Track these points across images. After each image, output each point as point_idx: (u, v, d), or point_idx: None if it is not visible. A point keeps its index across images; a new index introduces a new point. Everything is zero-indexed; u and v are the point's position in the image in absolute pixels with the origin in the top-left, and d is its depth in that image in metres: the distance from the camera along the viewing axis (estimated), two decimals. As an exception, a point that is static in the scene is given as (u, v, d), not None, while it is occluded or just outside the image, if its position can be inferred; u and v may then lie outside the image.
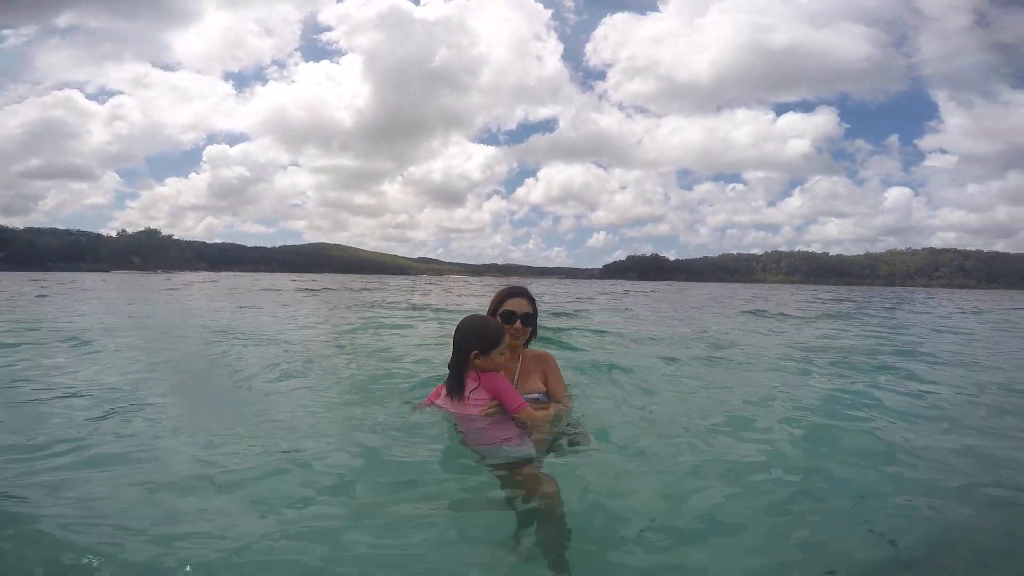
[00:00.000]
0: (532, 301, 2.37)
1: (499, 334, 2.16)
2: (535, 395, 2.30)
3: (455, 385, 2.18)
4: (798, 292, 32.92)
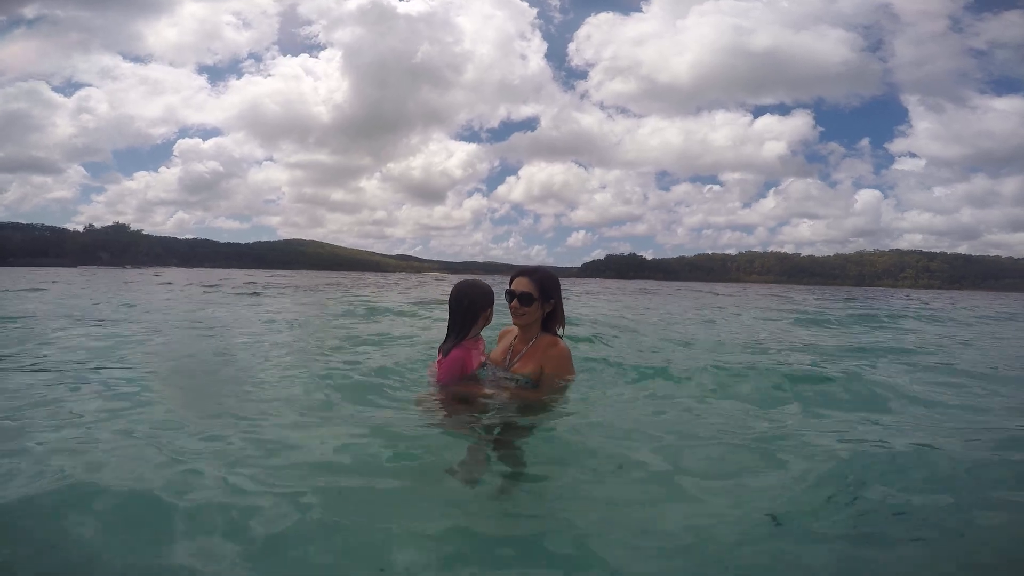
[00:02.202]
0: (539, 283, 2.33)
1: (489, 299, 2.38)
2: (520, 377, 2.34)
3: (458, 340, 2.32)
4: (768, 291, 33.64)
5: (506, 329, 2.60)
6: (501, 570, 1.36)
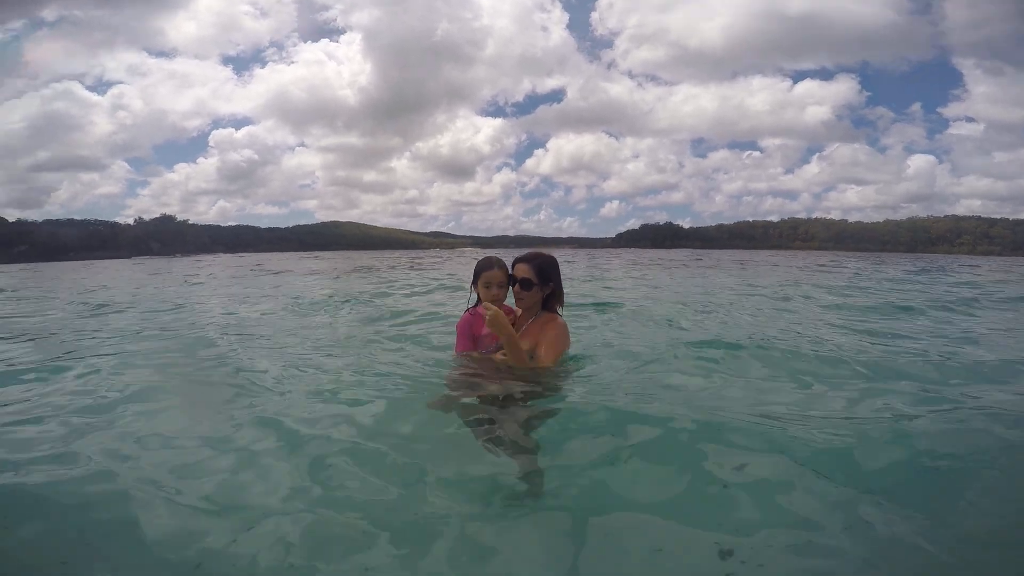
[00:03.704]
0: (537, 268, 2.51)
1: (481, 268, 2.56)
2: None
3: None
4: (819, 259, 32.20)
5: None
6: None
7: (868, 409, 2.61)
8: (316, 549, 1.45)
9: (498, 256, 2.62)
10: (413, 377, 2.89)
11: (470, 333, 2.58)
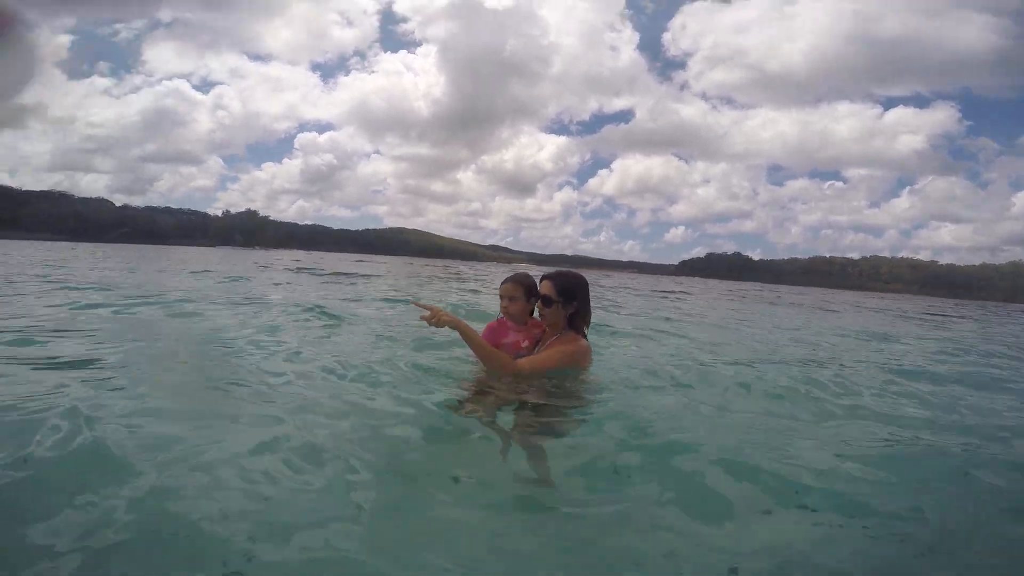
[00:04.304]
0: (559, 287, 2.51)
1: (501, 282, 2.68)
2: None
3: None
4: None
5: None
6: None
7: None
8: (327, 543, 1.42)
9: (525, 273, 2.75)
10: (436, 374, 2.93)
11: (491, 340, 2.61)
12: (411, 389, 2.68)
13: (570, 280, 2.56)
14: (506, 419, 2.23)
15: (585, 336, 2.61)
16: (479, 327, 2.64)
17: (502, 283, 2.67)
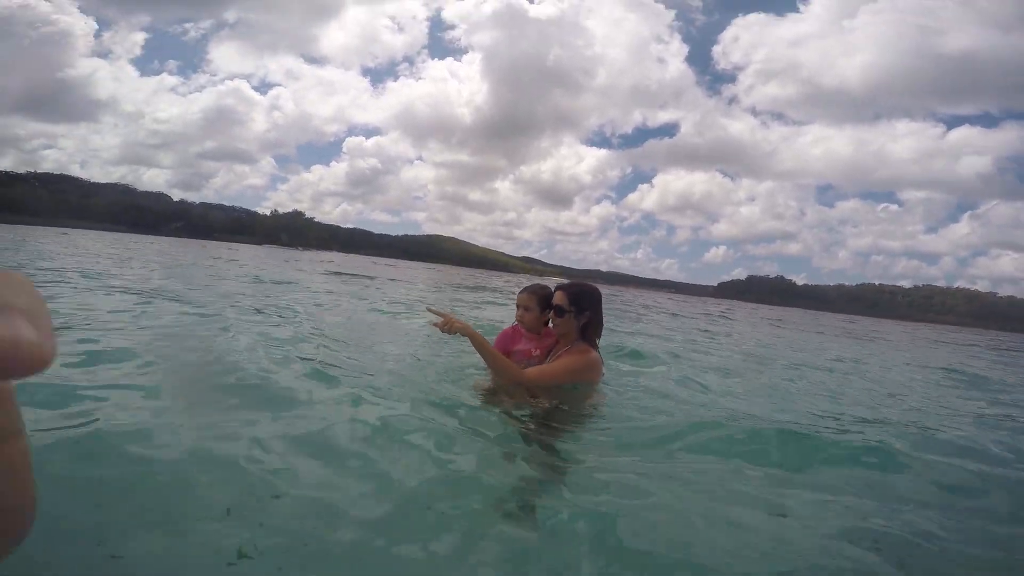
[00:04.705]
0: (572, 297, 2.54)
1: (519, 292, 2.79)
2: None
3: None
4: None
5: None
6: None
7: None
8: (324, 528, 1.47)
9: (542, 284, 2.84)
10: (453, 377, 3.06)
11: (504, 346, 2.72)
12: (426, 390, 2.73)
13: (583, 291, 2.60)
14: (513, 425, 2.27)
15: (597, 348, 2.62)
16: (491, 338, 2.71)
17: (519, 293, 2.77)
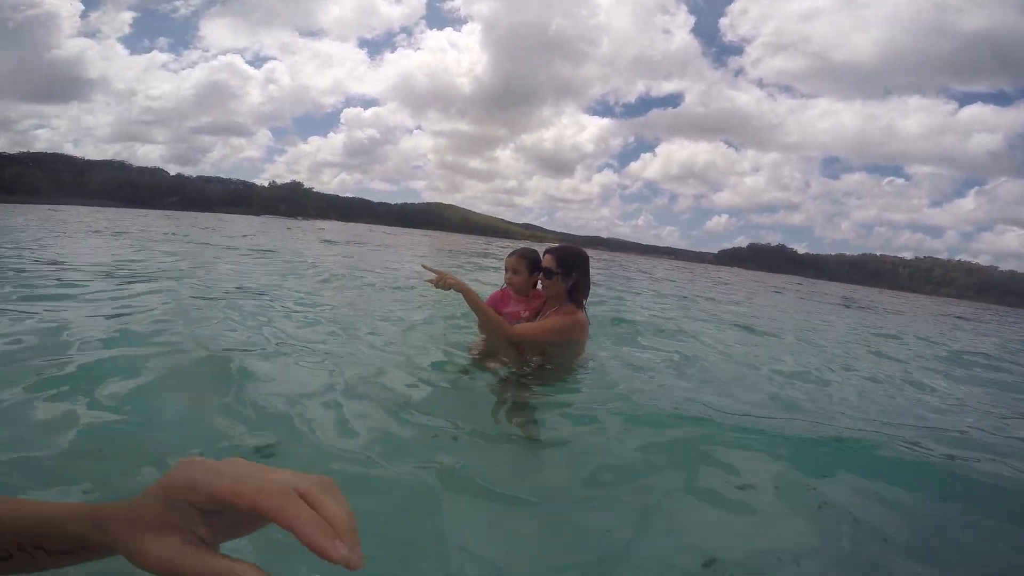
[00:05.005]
0: (559, 259, 2.58)
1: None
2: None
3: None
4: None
5: None
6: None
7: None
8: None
9: (531, 247, 2.88)
10: (443, 340, 3.13)
11: (494, 307, 2.73)
12: (420, 352, 2.84)
13: (571, 253, 2.66)
14: (504, 384, 2.35)
15: (584, 309, 2.67)
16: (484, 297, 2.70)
17: (507, 256, 2.80)
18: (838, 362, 4.23)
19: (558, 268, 2.58)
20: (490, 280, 7.46)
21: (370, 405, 2.08)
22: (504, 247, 27.49)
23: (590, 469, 1.78)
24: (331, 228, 33.07)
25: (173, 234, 12.55)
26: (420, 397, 2.20)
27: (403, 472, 1.60)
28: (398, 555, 1.27)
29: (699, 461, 1.89)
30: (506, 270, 2.78)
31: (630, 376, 2.80)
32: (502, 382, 2.39)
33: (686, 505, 1.65)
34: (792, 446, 2.06)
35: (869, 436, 2.26)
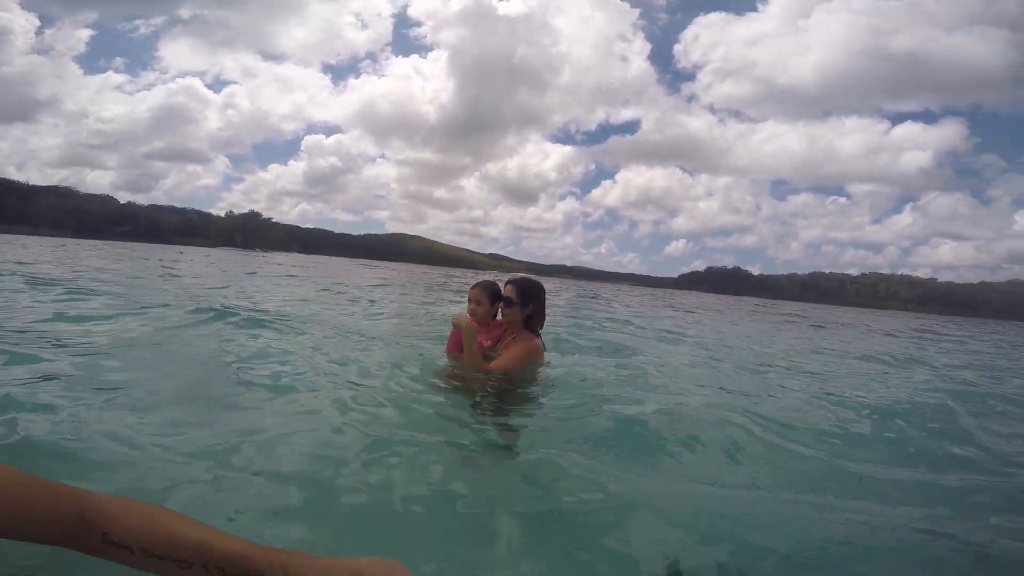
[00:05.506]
0: (519, 290, 2.84)
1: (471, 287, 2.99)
2: (492, 355, 2.88)
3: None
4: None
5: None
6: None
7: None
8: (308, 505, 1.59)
9: (491, 280, 3.11)
10: (413, 365, 3.28)
11: (458, 338, 2.90)
12: (397, 380, 2.98)
13: (529, 285, 2.93)
14: (476, 404, 2.57)
15: (539, 336, 2.94)
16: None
17: (471, 288, 3.01)
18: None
19: (518, 298, 2.83)
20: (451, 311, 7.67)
21: (353, 425, 2.18)
22: (460, 278, 27.49)
23: (553, 477, 1.86)
24: (288, 262, 31.03)
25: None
26: (400, 419, 2.34)
27: (388, 488, 1.69)
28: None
29: (653, 461, 2.09)
30: (469, 301, 2.95)
31: (582, 390, 3.06)
32: (473, 404, 2.55)
33: (649, 505, 1.71)
34: (760, 445, 2.31)
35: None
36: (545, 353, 2.97)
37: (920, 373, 5.78)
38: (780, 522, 1.72)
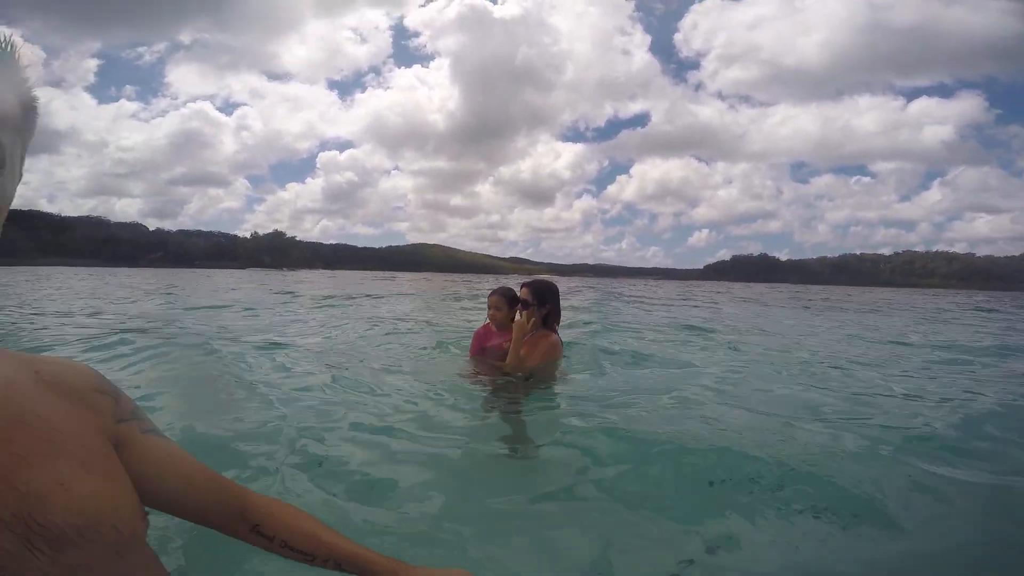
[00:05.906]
0: (534, 292, 2.95)
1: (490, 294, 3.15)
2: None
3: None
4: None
5: None
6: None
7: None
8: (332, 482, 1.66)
9: (508, 287, 3.21)
10: (440, 368, 3.47)
11: (480, 342, 3.19)
12: (423, 377, 3.18)
13: (544, 287, 3.08)
14: (497, 398, 2.67)
15: (557, 332, 3.06)
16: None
17: (489, 295, 3.19)
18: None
19: (534, 299, 2.95)
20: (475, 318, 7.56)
21: (386, 423, 2.23)
22: (477, 284, 27.52)
23: (573, 475, 1.85)
24: (319, 281, 30.16)
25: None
26: (429, 418, 2.36)
27: (408, 484, 1.71)
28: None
29: (673, 465, 1.93)
30: (489, 308, 3.12)
31: (600, 388, 3.04)
32: (494, 396, 2.71)
33: (660, 508, 1.64)
34: (774, 452, 2.03)
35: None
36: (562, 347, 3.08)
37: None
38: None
